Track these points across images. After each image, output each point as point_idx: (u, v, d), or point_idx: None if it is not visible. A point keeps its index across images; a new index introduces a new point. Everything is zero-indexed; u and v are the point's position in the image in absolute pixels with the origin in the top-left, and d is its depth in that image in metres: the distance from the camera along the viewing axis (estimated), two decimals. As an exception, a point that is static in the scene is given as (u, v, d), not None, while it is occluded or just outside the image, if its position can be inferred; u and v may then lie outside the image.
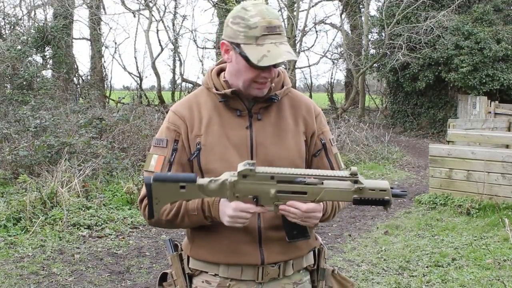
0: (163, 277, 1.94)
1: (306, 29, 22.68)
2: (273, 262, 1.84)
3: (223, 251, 1.82)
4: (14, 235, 6.03)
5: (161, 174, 1.70)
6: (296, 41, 21.58)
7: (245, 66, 1.76)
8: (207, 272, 1.87)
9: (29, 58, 16.62)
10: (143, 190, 1.83)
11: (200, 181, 1.66)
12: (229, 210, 1.68)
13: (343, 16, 25.38)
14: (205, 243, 1.85)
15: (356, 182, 1.67)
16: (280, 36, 1.75)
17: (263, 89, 1.81)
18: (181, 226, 1.84)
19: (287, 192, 1.69)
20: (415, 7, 18.45)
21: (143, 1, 20.86)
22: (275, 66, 1.77)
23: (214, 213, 1.75)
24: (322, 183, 1.69)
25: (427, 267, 5.26)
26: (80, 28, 45.44)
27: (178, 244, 1.96)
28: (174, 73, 24.71)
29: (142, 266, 5.38)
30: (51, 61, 19.62)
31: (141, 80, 24.67)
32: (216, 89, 1.86)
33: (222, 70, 1.91)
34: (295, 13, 21.54)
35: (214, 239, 1.83)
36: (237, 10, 1.76)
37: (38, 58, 18.91)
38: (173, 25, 23.62)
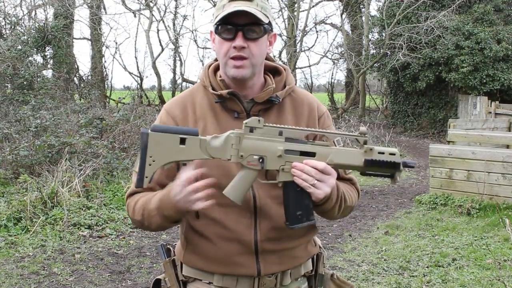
0: (157, 282, 1.86)
1: (306, 29, 22.68)
2: (270, 273, 1.76)
3: (217, 261, 1.74)
4: (15, 235, 6.03)
5: (160, 125, 1.54)
6: (297, 41, 21.58)
7: (219, 41, 1.69)
8: (201, 280, 1.80)
9: (30, 58, 16.62)
10: (132, 185, 1.76)
11: (203, 136, 1.52)
12: (175, 187, 1.55)
13: (343, 16, 25.38)
14: (198, 250, 1.77)
15: (365, 142, 1.62)
16: (249, 3, 1.66)
17: (240, 68, 1.68)
18: (153, 228, 1.73)
19: (295, 152, 1.59)
20: (415, 7, 18.45)
21: (143, 1, 20.87)
22: (245, 36, 1.67)
23: (166, 203, 1.60)
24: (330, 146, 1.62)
25: (427, 267, 5.26)
26: (81, 28, 45.47)
27: (171, 248, 1.88)
28: (174, 73, 24.73)
29: (142, 266, 5.38)
30: (51, 61, 19.61)
31: (141, 80, 24.68)
32: (213, 89, 1.76)
33: (219, 67, 1.80)
34: (295, 13, 21.54)
35: (207, 249, 1.75)
36: None
37: (38, 58, 18.93)
38: (174, 25, 23.65)
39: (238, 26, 1.66)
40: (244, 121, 1.57)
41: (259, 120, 1.56)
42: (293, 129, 1.60)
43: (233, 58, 1.68)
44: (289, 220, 1.64)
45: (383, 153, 1.64)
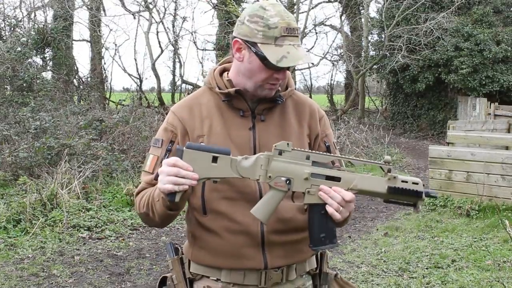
0: (163, 281, 1.90)
1: (306, 30, 22.69)
2: (276, 267, 1.81)
3: (225, 255, 1.79)
4: (14, 237, 6.03)
5: (194, 143, 1.65)
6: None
7: (259, 66, 1.73)
8: (208, 277, 1.83)
9: (29, 60, 16.63)
10: (142, 183, 1.85)
11: (234, 156, 1.63)
12: (162, 167, 1.62)
13: (343, 17, 25.40)
14: (206, 246, 1.82)
15: (389, 171, 1.65)
16: (297, 39, 1.73)
17: (273, 90, 1.79)
18: (158, 220, 1.77)
19: (321, 176, 1.64)
20: (415, 8, 18.47)
21: (143, 3, 20.89)
22: (288, 69, 1.77)
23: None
24: (354, 171, 1.67)
25: (426, 268, 5.26)
26: (80, 29, 45.57)
27: (179, 248, 1.92)
28: (174, 74, 24.76)
29: (142, 267, 5.38)
30: (51, 63, 19.60)
31: (141, 81, 24.67)
32: (219, 89, 1.83)
33: (224, 70, 1.89)
34: (295, 15, 21.56)
35: (215, 243, 1.80)
36: (255, 9, 1.73)
37: (38, 60, 18.93)
38: (173, 26, 23.67)
39: None
40: (274, 144, 1.65)
41: (288, 144, 1.64)
42: (320, 154, 1.67)
43: (271, 84, 1.77)
44: (312, 242, 1.70)
45: (406, 181, 1.66)
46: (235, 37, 1.77)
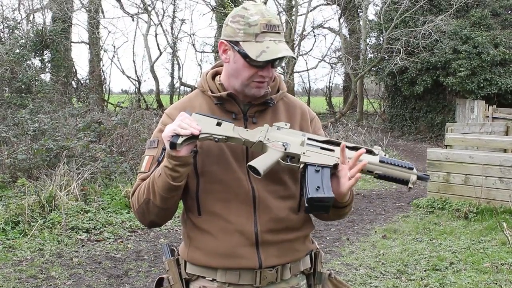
0: (160, 282, 1.91)
1: (304, 33, 22.71)
2: (271, 266, 1.83)
3: (220, 255, 1.81)
4: (13, 239, 6.03)
5: (201, 112, 1.78)
6: (295, 45, 21.61)
7: (243, 64, 1.76)
8: (204, 277, 1.86)
9: (28, 62, 16.59)
10: (137, 181, 1.86)
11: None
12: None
13: (341, 20, 25.42)
14: (201, 247, 1.84)
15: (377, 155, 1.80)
16: (279, 35, 1.77)
17: (261, 88, 1.81)
18: (159, 203, 1.77)
19: (316, 146, 1.76)
20: (413, 11, 18.50)
21: (141, 5, 20.90)
22: (273, 66, 1.78)
23: (167, 154, 1.72)
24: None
25: (425, 271, 5.27)
26: (79, 31, 45.60)
27: (175, 249, 1.94)
28: (172, 77, 24.77)
29: (140, 269, 5.38)
30: (49, 65, 19.61)
31: (139, 83, 24.69)
32: (212, 92, 1.87)
33: (217, 73, 1.92)
34: (293, 17, 21.58)
35: (210, 243, 1.82)
36: (237, 10, 1.79)
37: (36, 62, 18.92)
38: (172, 29, 23.70)
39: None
40: (274, 123, 1.79)
41: (285, 124, 1.80)
42: (314, 135, 1.81)
43: (258, 81, 1.79)
44: (306, 197, 1.70)
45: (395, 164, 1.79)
46: (221, 39, 1.82)
